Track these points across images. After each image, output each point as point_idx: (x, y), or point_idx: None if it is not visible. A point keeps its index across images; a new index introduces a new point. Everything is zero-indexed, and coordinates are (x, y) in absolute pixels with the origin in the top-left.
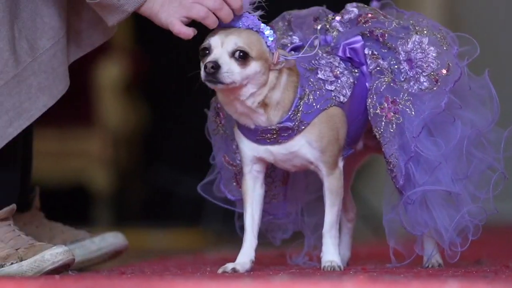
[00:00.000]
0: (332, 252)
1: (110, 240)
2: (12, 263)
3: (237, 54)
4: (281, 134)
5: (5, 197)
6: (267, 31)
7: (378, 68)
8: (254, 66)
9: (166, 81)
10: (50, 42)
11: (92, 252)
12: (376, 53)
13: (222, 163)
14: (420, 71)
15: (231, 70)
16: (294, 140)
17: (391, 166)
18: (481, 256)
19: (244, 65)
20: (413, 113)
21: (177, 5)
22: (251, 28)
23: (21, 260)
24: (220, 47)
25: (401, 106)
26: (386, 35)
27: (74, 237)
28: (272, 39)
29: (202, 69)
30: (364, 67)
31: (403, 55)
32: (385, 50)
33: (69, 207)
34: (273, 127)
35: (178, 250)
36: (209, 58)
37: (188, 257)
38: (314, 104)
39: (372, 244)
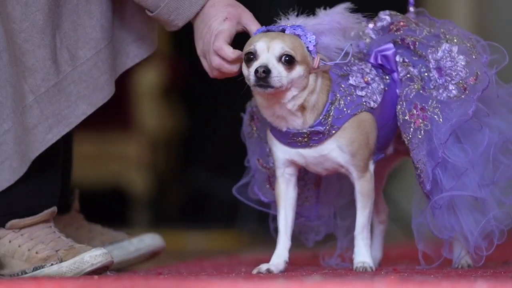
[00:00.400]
0: (364, 253)
1: (148, 241)
2: (52, 264)
3: (283, 58)
4: (312, 138)
5: (46, 200)
6: (310, 36)
7: (408, 75)
8: (298, 70)
9: (202, 86)
10: (91, 52)
11: (130, 253)
12: (407, 60)
13: (256, 166)
14: (449, 79)
15: (280, 74)
16: (325, 144)
17: (419, 171)
18: (509, 258)
19: (290, 69)
20: (441, 120)
21: (201, 45)
22: (294, 32)
23: (61, 262)
24: (267, 51)
25: (429, 113)
26: (417, 43)
27: (112, 239)
28: (314, 44)
29: (252, 73)
30: (395, 74)
31: (433, 63)
32: (416, 58)
33: (108, 210)
34: (304, 130)
35: (214, 251)
36: (259, 63)
37: (224, 258)
38: (344, 109)
39: (403, 246)
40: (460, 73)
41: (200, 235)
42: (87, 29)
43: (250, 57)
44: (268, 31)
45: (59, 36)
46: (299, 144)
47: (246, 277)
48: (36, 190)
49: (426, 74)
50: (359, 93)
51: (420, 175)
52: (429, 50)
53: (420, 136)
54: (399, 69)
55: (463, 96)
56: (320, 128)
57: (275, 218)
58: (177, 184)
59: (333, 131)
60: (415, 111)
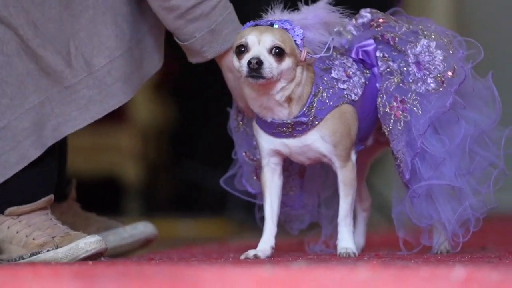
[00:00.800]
0: (347, 239)
1: (141, 228)
2: (48, 250)
3: (274, 50)
4: (296, 128)
5: (43, 188)
6: (297, 30)
7: (388, 69)
8: (287, 62)
9: (193, 80)
10: (105, 60)
11: (124, 239)
12: (386, 55)
13: (243, 159)
14: (427, 73)
15: (271, 66)
16: (308, 134)
17: (398, 161)
18: (485, 243)
19: (279, 61)
20: (420, 112)
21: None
22: (282, 26)
23: (57, 248)
24: (258, 44)
25: (409, 105)
26: (397, 38)
27: (107, 226)
28: (301, 37)
29: (245, 65)
30: (375, 69)
31: (412, 58)
32: (395, 53)
33: (102, 199)
34: (288, 121)
35: (204, 239)
36: (251, 55)
37: (213, 244)
38: (327, 101)
39: (385, 233)
40: (438, 67)
41: (190, 223)
42: (102, 39)
43: (241, 49)
44: (256, 25)
45: (74, 44)
46: (283, 134)
47: (234, 262)
48: (34, 179)
49: (405, 68)
50: (341, 86)
51: (399, 165)
52: (408, 46)
53: (399, 127)
54: (379, 63)
55: (441, 89)
56: (303, 119)
57: (261, 208)
58: (168, 174)
59: (316, 122)
60: (395, 103)
